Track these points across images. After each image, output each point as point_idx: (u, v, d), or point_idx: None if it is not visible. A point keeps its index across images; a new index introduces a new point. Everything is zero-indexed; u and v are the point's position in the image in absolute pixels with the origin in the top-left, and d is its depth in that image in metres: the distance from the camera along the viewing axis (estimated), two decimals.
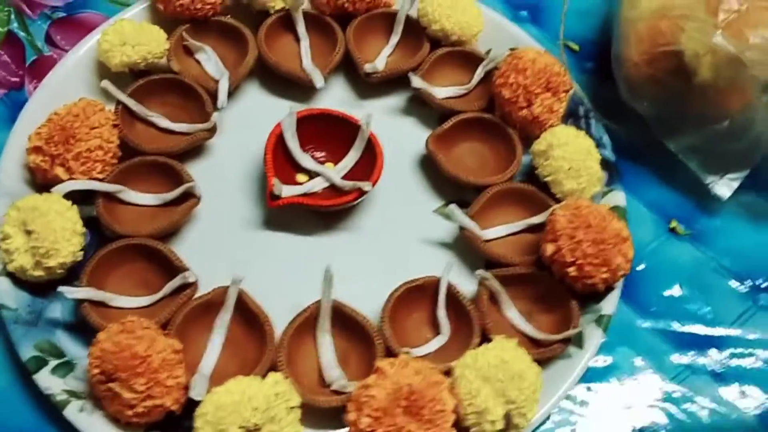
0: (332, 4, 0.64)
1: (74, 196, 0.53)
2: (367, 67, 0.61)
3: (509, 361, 0.47)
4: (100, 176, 0.54)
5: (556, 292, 0.53)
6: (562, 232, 0.51)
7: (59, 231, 0.50)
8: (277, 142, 0.57)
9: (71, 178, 0.53)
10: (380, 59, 0.63)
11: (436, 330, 0.53)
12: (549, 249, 0.52)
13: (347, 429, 0.46)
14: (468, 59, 0.64)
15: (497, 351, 0.48)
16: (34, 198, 0.51)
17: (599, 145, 0.59)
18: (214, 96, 0.59)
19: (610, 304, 0.53)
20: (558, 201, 0.57)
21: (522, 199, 0.57)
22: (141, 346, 0.45)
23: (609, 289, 0.53)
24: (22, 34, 0.65)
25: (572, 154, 0.56)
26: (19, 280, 0.51)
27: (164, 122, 0.58)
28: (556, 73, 0.59)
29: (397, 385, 0.45)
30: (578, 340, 0.52)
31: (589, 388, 0.54)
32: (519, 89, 0.58)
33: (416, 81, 0.61)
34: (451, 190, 0.59)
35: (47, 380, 0.48)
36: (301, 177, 0.58)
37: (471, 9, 0.64)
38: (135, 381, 0.45)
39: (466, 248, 0.57)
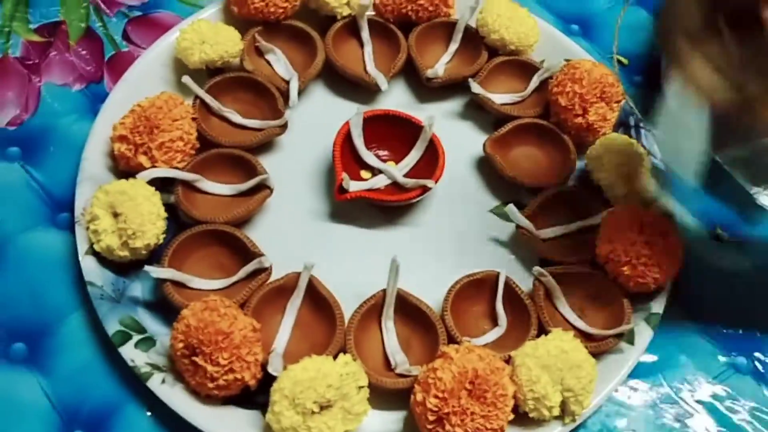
0: (396, 12, 0.67)
1: (154, 184, 0.56)
2: (429, 73, 0.65)
3: (568, 351, 0.50)
4: (180, 166, 0.57)
5: (607, 291, 0.56)
6: (616, 233, 0.54)
7: (146, 214, 0.53)
8: (345, 140, 0.60)
9: (153, 166, 0.56)
10: (439, 65, 0.66)
11: (493, 322, 0.56)
12: (605, 249, 0.55)
13: (406, 412, 0.49)
14: (523, 68, 0.67)
15: (557, 342, 0.50)
16: (121, 183, 0.54)
17: (649, 153, 0.62)
18: (284, 95, 0.63)
19: (659, 304, 0.56)
20: (610, 205, 0.59)
21: (575, 202, 0.60)
22: (224, 323, 0.48)
23: (659, 288, 0.56)
24: (100, 30, 0.68)
25: (626, 161, 0.59)
26: (103, 259, 0.54)
27: (238, 118, 0.62)
28: (610, 84, 0.62)
29: (462, 368, 0.48)
30: (629, 337, 0.55)
31: (636, 384, 0.56)
32: (575, 97, 0.61)
33: (475, 87, 0.64)
34: (507, 191, 0.62)
35: (132, 353, 0.50)
36: (365, 174, 0.61)
37: (528, 21, 0.67)
38: (218, 355, 0.47)
39: (521, 247, 0.59)
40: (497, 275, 0.55)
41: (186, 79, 0.60)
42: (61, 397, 0.51)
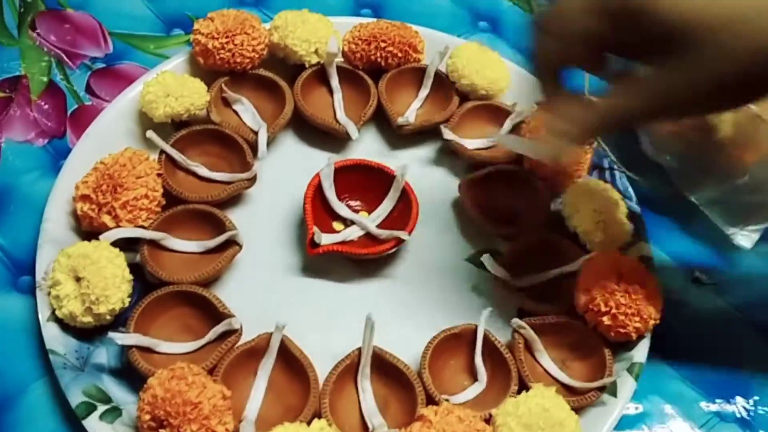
0: (365, 59, 0.66)
1: (118, 243, 0.54)
2: (400, 120, 0.64)
3: (550, 409, 0.48)
4: (145, 224, 0.56)
5: (588, 341, 0.55)
6: (594, 282, 0.53)
7: (110, 278, 0.51)
8: (315, 191, 0.59)
9: (118, 226, 0.55)
10: (410, 112, 0.65)
11: (473, 377, 0.54)
12: (583, 299, 0.54)
13: None
14: (496, 112, 0.66)
15: (538, 399, 0.49)
16: (83, 245, 0.52)
17: (625, 196, 0.62)
18: (252, 146, 0.61)
19: (641, 353, 0.55)
20: (587, 251, 0.58)
21: (551, 248, 0.59)
22: (192, 393, 0.46)
23: (640, 337, 0.55)
24: (63, 84, 0.67)
25: (601, 206, 0.58)
26: (65, 325, 0.52)
27: (205, 171, 0.60)
28: None
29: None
30: (612, 388, 0.53)
31: None
32: None
33: (447, 133, 0.63)
34: (482, 238, 0.61)
35: (96, 426, 0.48)
36: (337, 225, 0.60)
37: (498, 65, 0.67)
38: (186, 428, 0.45)
39: (498, 296, 0.58)
40: (475, 328, 0.54)
41: (150, 134, 0.59)
42: None
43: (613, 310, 0.52)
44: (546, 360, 0.54)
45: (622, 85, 0.46)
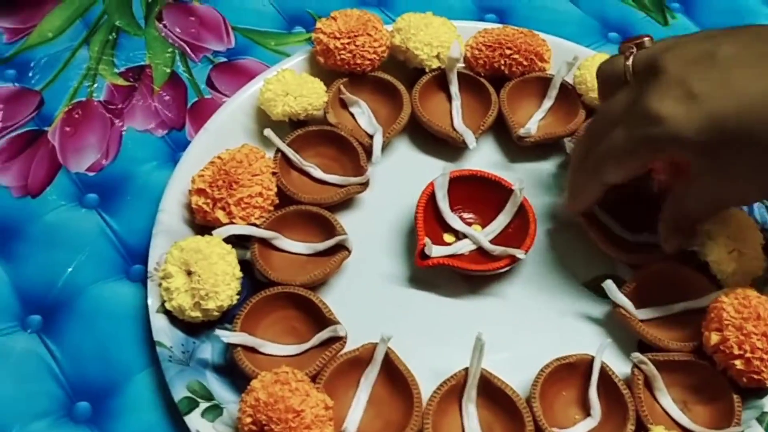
0: (488, 66, 0.64)
1: (230, 239, 0.54)
2: (521, 131, 0.61)
3: None
4: (258, 222, 0.55)
5: (715, 384, 0.50)
6: (729, 323, 0.49)
7: (220, 275, 0.50)
8: (428, 201, 0.57)
9: (231, 222, 0.54)
10: (532, 123, 0.62)
11: (584, 412, 0.51)
12: (714, 339, 0.49)
13: None
14: None
15: None
16: (196, 240, 0.52)
17: (763, 229, 0.57)
18: (366, 150, 0.60)
19: None
20: (717, 283, 0.54)
21: (679, 280, 0.55)
22: (295, 400, 0.45)
23: None
24: (185, 76, 0.67)
25: (735, 235, 0.54)
26: (173, 318, 0.52)
27: (319, 173, 0.59)
28: None
29: None
30: None
31: None
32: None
33: (571, 148, 0.60)
34: (602, 263, 0.58)
35: (198, 423, 0.48)
36: (448, 237, 0.58)
37: None
38: None
39: (616, 326, 0.55)
40: (591, 360, 0.51)
41: (268, 132, 0.58)
42: None
43: (747, 354, 0.48)
44: (667, 400, 0.51)
45: (685, 189, 0.51)
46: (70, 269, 0.56)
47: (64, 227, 0.58)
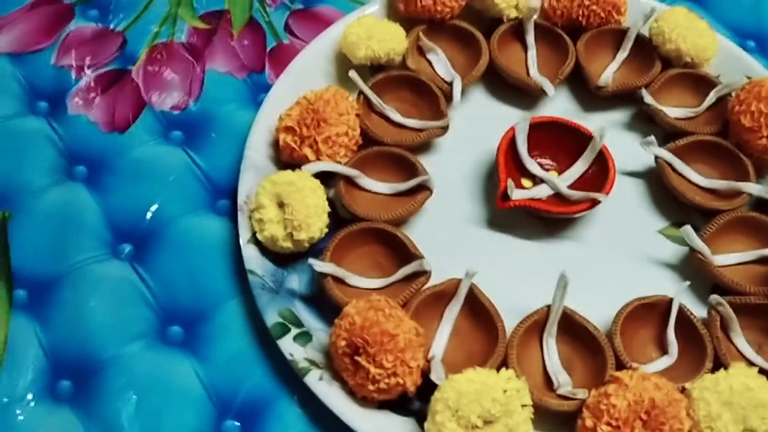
0: (565, 17, 0.65)
1: (315, 178, 0.55)
2: (601, 81, 0.62)
3: (754, 389, 0.46)
4: (342, 161, 0.56)
5: None
6: None
7: (312, 207, 0.52)
8: (508, 145, 0.58)
9: (318, 159, 0.56)
10: (607, 74, 0.63)
11: (661, 350, 0.52)
12: None
13: None
14: (699, 83, 0.63)
15: (741, 377, 0.46)
16: (288, 173, 0.54)
17: None
18: (446, 95, 0.61)
19: None
20: None
21: (755, 228, 0.56)
22: (390, 324, 0.47)
23: None
24: (263, 20, 0.68)
25: None
26: (263, 249, 0.54)
27: (398, 117, 0.60)
28: None
29: (639, 397, 0.45)
30: None
31: None
32: (761, 117, 0.57)
33: (648, 98, 0.61)
34: (676, 211, 0.59)
35: (290, 347, 0.50)
36: (526, 182, 0.59)
37: (707, 33, 0.63)
38: (383, 357, 0.46)
39: (690, 272, 0.56)
40: (670, 300, 0.52)
41: (353, 74, 0.59)
42: (215, 385, 0.51)
43: None
44: (741, 342, 0.52)
45: None
46: (157, 202, 0.58)
47: (151, 162, 0.60)
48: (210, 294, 0.54)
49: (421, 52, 0.64)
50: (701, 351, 0.51)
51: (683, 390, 0.48)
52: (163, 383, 0.50)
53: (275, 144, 0.58)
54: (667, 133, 0.61)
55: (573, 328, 0.51)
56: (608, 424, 0.45)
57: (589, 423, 0.45)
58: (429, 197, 0.56)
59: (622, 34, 0.65)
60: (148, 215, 0.57)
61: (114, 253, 0.56)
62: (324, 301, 0.52)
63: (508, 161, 0.58)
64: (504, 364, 0.49)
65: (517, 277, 0.55)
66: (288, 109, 0.58)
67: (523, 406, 0.46)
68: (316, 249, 0.54)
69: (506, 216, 0.58)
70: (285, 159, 0.57)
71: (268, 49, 0.67)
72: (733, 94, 0.60)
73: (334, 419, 0.48)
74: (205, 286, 0.54)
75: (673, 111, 0.61)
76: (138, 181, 0.59)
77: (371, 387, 0.47)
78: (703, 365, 0.50)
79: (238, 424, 0.49)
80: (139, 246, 0.56)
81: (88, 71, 0.64)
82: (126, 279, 0.54)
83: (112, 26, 0.67)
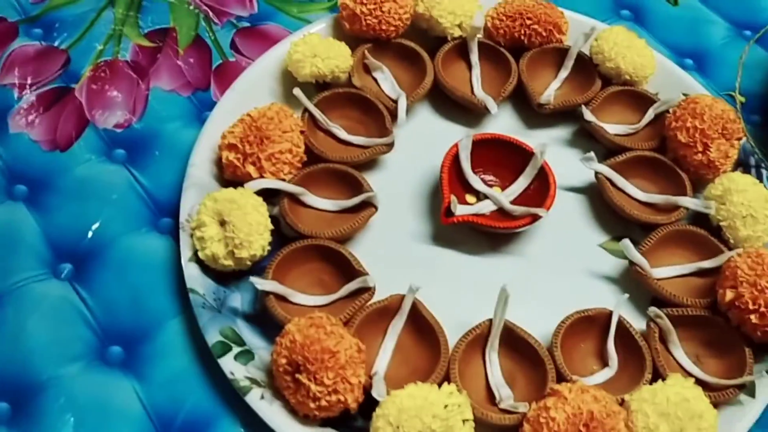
0: (508, 36, 0.66)
1: (259, 195, 0.55)
2: (543, 98, 0.63)
3: (690, 399, 0.47)
4: (286, 178, 0.56)
5: (727, 338, 0.53)
6: (743, 279, 0.51)
7: (254, 224, 0.52)
8: (452, 162, 0.59)
9: (261, 177, 0.55)
10: (550, 92, 0.64)
11: (601, 362, 0.53)
12: (729, 295, 0.52)
13: None
14: (638, 100, 0.65)
15: (677, 388, 0.47)
16: (230, 191, 0.53)
17: None
18: (391, 113, 0.61)
19: None
20: (729, 247, 0.56)
21: (692, 241, 0.57)
22: (331, 341, 0.47)
23: None
24: (209, 39, 0.68)
25: (750, 201, 0.56)
26: (205, 267, 0.53)
27: (344, 134, 0.61)
28: (732, 120, 0.59)
29: (577, 410, 0.45)
30: (750, 390, 0.51)
31: None
32: (696, 133, 0.59)
33: (588, 114, 0.62)
34: (617, 226, 0.60)
35: (231, 365, 0.49)
36: (470, 198, 0.59)
37: (645, 51, 0.65)
38: (323, 374, 0.46)
39: (630, 285, 0.57)
40: (609, 313, 0.53)
41: (297, 92, 0.60)
42: (156, 404, 0.50)
43: (762, 309, 0.50)
44: (680, 353, 0.53)
45: None
46: (99, 221, 0.57)
47: (93, 181, 0.59)
48: (151, 313, 0.54)
49: (366, 70, 0.65)
50: (641, 363, 0.51)
51: (622, 402, 0.49)
52: (102, 404, 0.50)
53: (218, 162, 0.58)
54: (607, 149, 0.63)
55: (515, 342, 0.52)
56: None
57: None
58: (374, 214, 0.56)
59: (563, 52, 0.66)
60: (90, 234, 0.56)
61: (54, 273, 0.55)
62: (267, 319, 0.52)
63: (452, 177, 0.58)
64: (447, 378, 0.50)
65: (461, 292, 0.56)
66: (231, 127, 0.57)
67: (465, 421, 0.47)
68: (258, 267, 0.54)
69: (450, 232, 0.58)
70: (228, 177, 0.57)
71: (213, 66, 0.67)
72: (671, 111, 0.62)
73: None
74: (146, 305, 0.54)
75: (613, 128, 0.63)
76: (79, 199, 0.58)
77: (312, 405, 0.46)
78: (643, 376, 0.51)
79: None
80: (80, 265, 0.55)
81: (30, 89, 0.63)
82: (66, 299, 0.54)
83: (56, 44, 0.66)
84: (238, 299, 0.54)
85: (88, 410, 0.49)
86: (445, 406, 0.46)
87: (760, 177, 0.61)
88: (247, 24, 0.70)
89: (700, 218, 0.59)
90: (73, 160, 0.60)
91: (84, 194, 0.58)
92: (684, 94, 0.63)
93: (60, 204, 0.58)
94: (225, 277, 0.54)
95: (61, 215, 0.57)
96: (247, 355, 0.50)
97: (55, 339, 0.52)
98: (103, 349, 0.52)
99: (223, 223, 0.52)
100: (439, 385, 0.48)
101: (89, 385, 0.50)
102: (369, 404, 0.48)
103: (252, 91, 0.62)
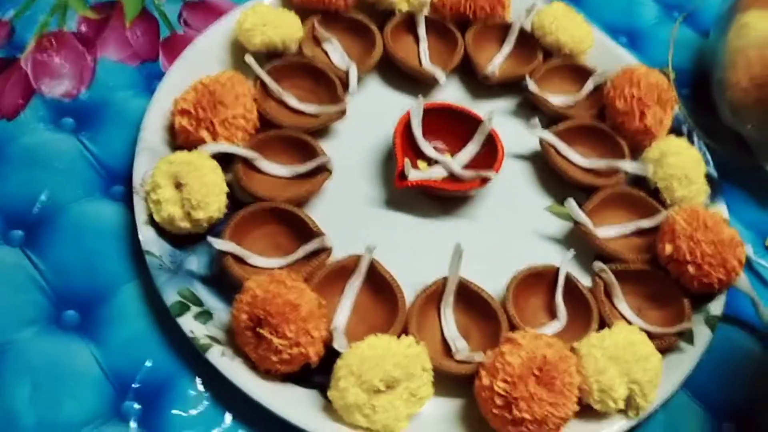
0: (453, 11, 0.68)
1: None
2: (488, 70, 0.65)
3: (636, 343, 0.49)
4: (240, 143, 0.57)
5: (666, 291, 0.56)
6: (681, 233, 0.54)
7: (210, 185, 0.52)
8: (404, 128, 0.60)
9: (214, 141, 0.56)
10: (493, 64, 0.67)
11: (551, 316, 0.55)
12: (668, 248, 0.55)
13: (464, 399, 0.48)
14: (577, 72, 0.68)
15: (624, 333, 0.50)
16: (185, 153, 0.53)
17: (705, 160, 0.63)
18: (342, 82, 0.63)
19: (717, 306, 0.56)
20: (666, 207, 0.59)
21: (632, 202, 0.60)
22: (292, 295, 0.47)
23: (719, 290, 0.55)
24: (156, 12, 0.68)
25: (685, 163, 0.59)
26: (160, 231, 0.53)
27: (295, 102, 0.61)
28: (665, 89, 0.63)
29: (531, 354, 0.47)
30: (688, 337, 0.54)
31: None
32: (633, 101, 0.62)
33: (532, 85, 0.64)
34: (560, 190, 0.62)
35: (191, 324, 0.49)
36: (421, 164, 0.61)
37: (583, 26, 0.68)
38: (285, 327, 0.46)
39: (576, 244, 0.59)
40: (557, 269, 0.55)
41: (249, 59, 0.60)
42: (114, 366, 0.50)
43: (698, 260, 0.53)
44: (623, 306, 0.55)
45: None
46: (49, 188, 0.56)
47: (42, 149, 0.58)
48: (106, 278, 0.53)
49: (316, 41, 0.66)
50: (588, 315, 0.54)
51: (572, 350, 0.51)
52: (58, 367, 0.49)
53: (170, 128, 0.58)
54: (549, 118, 0.65)
55: (469, 297, 0.54)
56: (504, 380, 0.47)
57: (486, 381, 0.47)
58: (328, 178, 0.57)
59: (506, 27, 0.69)
60: (39, 202, 0.55)
61: (5, 240, 0.54)
62: (224, 282, 0.52)
63: (404, 144, 0.60)
64: (405, 332, 0.51)
65: (416, 254, 0.57)
66: (183, 93, 0.57)
67: (424, 370, 0.48)
68: (214, 231, 0.54)
69: (403, 196, 0.60)
70: (181, 143, 0.57)
71: (161, 38, 0.66)
72: (609, 81, 0.65)
73: (237, 396, 0.48)
74: (100, 270, 0.53)
75: (555, 98, 0.65)
76: (28, 168, 0.57)
77: (274, 358, 0.47)
78: (590, 327, 0.53)
79: (138, 405, 0.49)
80: (31, 232, 0.54)
81: None
82: (18, 265, 0.53)
83: None
84: (194, 262, 0.54)
85: (44, 373, 0.48)
86: (405, 356, 0.47)
87: (692, 143, 0.64)
88: None
89: (638, 182, 0.62)
90: (20, 129, 0.59)
91: (33, 162, 0.57)
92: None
93: (8, 172, 0.56)
94: (180, 240, 0.54)
95: (10, 183, 0.56)
96: (206, 315, 0.51)
97: (7, 305, 0.51)
98: (57, 313, 0.51)
99: (178, 186, 0.52)
100: (398, 338, 0.49)
101: (45, 349, 0.49)
102: (328, 360, 0.49)
103: (202, 61, 0.62)
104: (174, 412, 0.49)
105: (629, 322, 0.55)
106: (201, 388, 0.50)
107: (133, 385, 0.49)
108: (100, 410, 0.48)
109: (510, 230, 0.60)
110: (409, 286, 0.53)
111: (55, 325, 0.51)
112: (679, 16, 0.77)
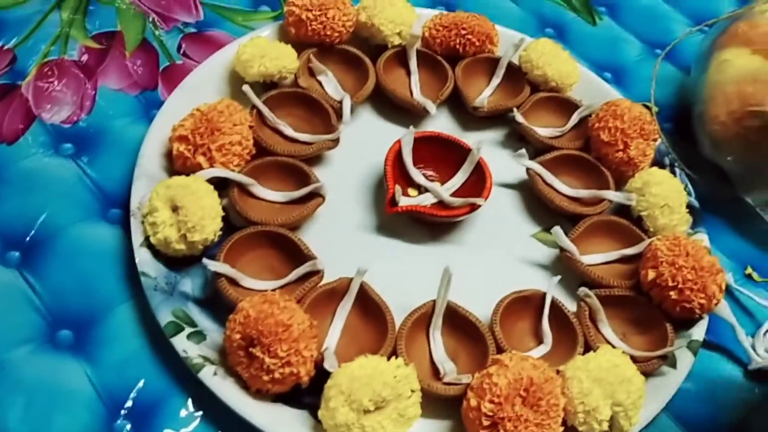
0: (444, 45, 0.70)
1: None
2: (477, 101, 0.67)
3: (619, 365, 0.50)
4: (236, 169, 0.58)
5: (650, 316, 0.57)
6: (663, 259, 0.56)
7: (207, 209, 0.53)
8: (395, 156, 0.62)
9: (212, 167, 0.57)
10: (482, 97, 0.69)
11: (537, 340, 0.56)
12: (651, 274, 0.56)
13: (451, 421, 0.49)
14: (563, 105, 0.70)
15: (608, 356, 0.51)
16: (182, 178, 0.55)
17: (685, 190, 0.64)
18: (336, 112, 0.64)
19: (699, 331, 0.57)
20: (649, 236, 0.61)
21: (616, 231, 0.62)
22: (284, 315, 0.48)
23: (701, 316, 0.57)
24: (156, 42, 0.70)
25: (667, 193, 0.61)
26: (156, 253, 0.54)
27: (290, 131, 0.63)
28: (648, 122, 0.65)
29: (518, 375, 0.48)
30: (671, 361, 0.55)
31: None
32: (617, 133, 0.64)
33: (519, 117, 0.66)
34: (547, 219, 0.64)
35: (184, 344, 0.50)
36: (412, 192, 0.63)
37: (570, 61, 0.71)
38: (277, 347, 0.47)
39: (561, 271, 0.60)
40: (544, 294, 0.56)
41: (246, 88, 0.62)
42: (107, 386, 0.50)
43: (680, 285, 0.55)
44: (608, 330, 0.57)
45: None
46: (47, 211, 0.57)
47: (41, 173, 0.59)
48: (101, 299, 0.54)
49: (311, 73, 0.68)
50: (573, 339, 0.55)
51: (558, 372, 0.52)
52: (52, 386, 0.50)
53: (168, 154, 0.59)
54: (536, 149, 0.67)
55: (457, 321, 0.55)
56: (491, 401, 0.48)
57: (473, 402, 0.48)
58: (321, 203, 0.59)
59: (495, 61, 0.71)
60: (37, 224, 0.57)
61: (1, 261, 0.55)
62: (218, 303, 0.53)
63: (395, 172, 0.61)
64: (394, 354, 0.52)
65: (405, 277, 0.58)
66: (181, 120, 0.59)
67: (413, 390, 0.49)
68: (209, 254, 0.55)
69: (394, 222, 0.61)
70: (178, 168, 0.58)
71: (161, 68, 0.68)
72: (593, 114, 0.67)
73: (229, 416, 0.49)
74: (96, 291, 0.54)
75: (542, 130, 0.67)
76: (27, 191, 0.58)
77: (266, 378, 0.48)
78: (575, 351, 0.54)
79: (130, 425, 0.49)
80: (28, 254, 0.55)
81: None
82: (13, 285, 0.54)
83: (1, 43, 0.67)
84: (188, 284, 0.55)
85: (38, 392, 0.49)
86: (394, 377, 0.48)
87: (674, 174, 0.66)
88: (193, 30, 0.72)
89: (622, 210, 0.64)
90: (20, 153, 0.60)
91: (31, 186, 0.59)
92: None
93: (6, 195, 0.58)
94: (176, 262, 0.55)
95: (8, 206, 0.57)
96: (199, 336, 0.52)
97: (2, 324, 0.52)
98: (52, 333, 0.52)
99: (175, 209, 0.54)
100: (387, 359, 0.50)
101: (38, 368, 0.50)
102: (319, 382, 0.50)
103: (200, 90, 0.64)
104: (166, 431, 0.49)
105: (613, 347, 0.56)
106: (192, 408, 0.50)
107: (125, 405, 0.50)
108: (92, 429, 0.48)
109: (498, 256, 0.61)
110: (399, 308, 0.55)
111: (49, 344, 0.52)
112: (661, 53, 0.80)
